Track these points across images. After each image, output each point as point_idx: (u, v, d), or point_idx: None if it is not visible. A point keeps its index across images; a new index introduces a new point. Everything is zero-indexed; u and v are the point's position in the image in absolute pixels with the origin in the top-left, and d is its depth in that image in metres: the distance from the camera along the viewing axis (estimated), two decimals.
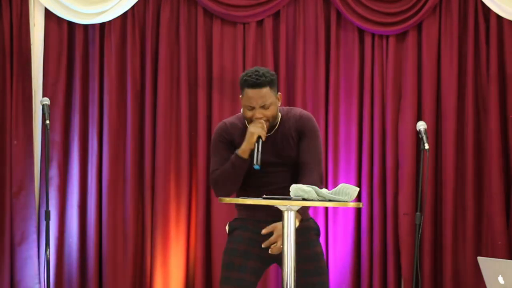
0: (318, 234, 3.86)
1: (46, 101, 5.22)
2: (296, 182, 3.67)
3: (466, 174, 5.93)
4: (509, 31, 5.95)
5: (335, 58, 5.99)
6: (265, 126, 3.66)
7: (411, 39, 6.00)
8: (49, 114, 5.12)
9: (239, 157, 3.65)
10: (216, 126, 3.89)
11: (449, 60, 5.97)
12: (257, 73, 3.67)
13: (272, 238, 3.65)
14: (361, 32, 6.02)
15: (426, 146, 4.97)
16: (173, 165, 5.88)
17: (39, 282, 5.70)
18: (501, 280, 3.16)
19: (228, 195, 3.76)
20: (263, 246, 3.66)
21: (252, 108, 3.68)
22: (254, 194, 3.64)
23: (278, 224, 3.60)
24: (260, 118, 3.67)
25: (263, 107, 3.68)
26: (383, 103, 6.00)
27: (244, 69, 5.91)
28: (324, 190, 3.27)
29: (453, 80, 5.96)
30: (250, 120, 3.71)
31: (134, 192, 5.85)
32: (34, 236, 5.71)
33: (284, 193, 3.56)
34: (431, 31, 6.00)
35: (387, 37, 6.02)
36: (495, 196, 5.86)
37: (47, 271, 5.06)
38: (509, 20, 5.94)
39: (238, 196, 3.84)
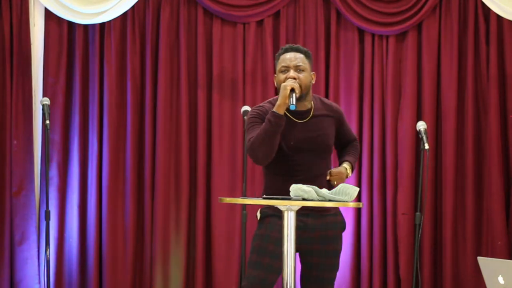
0: (344, 229, 3.88)
1: (46, 101, 5.22)
2: (324, 172, 3.79)
3: (466, 174, 5.94)
4: (509, 31, 5.96)
5: (335, 58, 5.99)
6: (297, 84, 3.67)
7: (411, 39, 6.00)
8: (49, 114, 5.13)
9: (274, 114, 3.62)
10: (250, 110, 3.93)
11: (449, 60, 5.97)
12: (294, 44, 3.86)
13: (340, 175, 3.78)
14: (361, 32, 6.02)
15: (426, 146, 4.97)
16: (172, 165, 5.88)
17: (39, 282, 5.70)
18: (501, 280, 3.16)
19: (266, 158, 3.69)
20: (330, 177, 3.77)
21: (286, 69, 3.74)
22: (288, 182, 3.59)
23: (338, 170, 3.78)
24: (293, 78, 3.70)
25: (297, 68, 3.74)
26: (383, 103, 6.00)
27: (244, 69, 5.92)
28: (324, 190, 3.28)
29: (453, 80, 5.96)
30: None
31: (134, 192, 5.85)
32: (34, 237, 5.71)
33: (318, 182, 3.62)
34: (431, 31, 6.00)
35: (387, 37, 6.02)
36: (495, 196, 5.86)
37: (47, 271, 5.06)
38: (509, 20, 5.95)
39: (270, 182, 3.80)
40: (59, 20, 5.86)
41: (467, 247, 5.90)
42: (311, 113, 3.80)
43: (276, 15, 6.00)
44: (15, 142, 5.74)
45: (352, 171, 3.86)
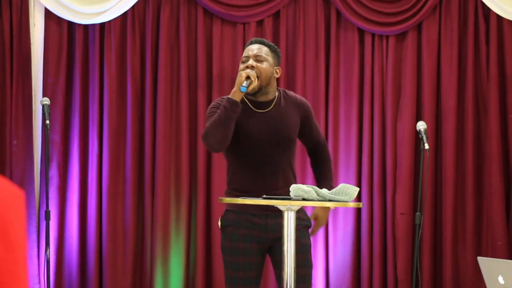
0: (309, 226, 3.85)
1: (46, 101, 5.22)
2: (291, 164, 3.77)
3: (466, 174, 5.94)
4: (509, 31, 5.96)
5: (335, 58, 5.99)
6: (253, 73, 3.65)
7: (411, 39, 6.00)
8: (49, 114, 5.13)
9: (229, 99, 3.60)
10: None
11: (449, 60, 5.97)
12: (262, 38, 3.87)
13: (315, 229, 3.82)
14: (361, 32, 6.02)
15: (426, 146, 4.97)
16: (172, 165, 5.88)
17: (39, 282, 5.70)
18: (501, 280, 3.16)
19: (220, 146, 3.65)
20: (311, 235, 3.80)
21: (247, 59, 3.72)
22: (252, 176, 3.67)
23: (319, 214, 3.81)
24: (252, 67, 3.68)
25: (257, 58, 3.72)
26: (383, 103, 6.00)
27: None
28: (324, 190, 3.28)
29: (453, 80, 5.96)
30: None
31: (134, 191, 5.85)
32: (34, 236, 5.71)
33: (282, 175, 3.64)
34: (431, 31, 6.00)
35: (387, 37, 6.02)
36: (495, 196, 5.86)
37: (47, 271, 5.06)
38: (509, 20, 5.94)
39: (232, 176, 3.78)
40: (59, 20, 5.86)
41: (467, 247, 5.90)
42: (272, 104, 3.76)
43: (276, 15, 6.01)
44: (15, 142, 5.74)
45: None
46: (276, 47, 3.83)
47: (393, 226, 5.90)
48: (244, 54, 3.76)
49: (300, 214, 3.80)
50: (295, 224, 3.32)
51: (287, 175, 3.75)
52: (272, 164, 3.71)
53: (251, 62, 3.70)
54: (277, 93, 3.80)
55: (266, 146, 3.71)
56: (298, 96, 3.91)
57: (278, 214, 3.69)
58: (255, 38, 3.86)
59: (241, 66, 3.74)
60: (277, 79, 3.90)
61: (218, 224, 3.90)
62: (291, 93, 3.90)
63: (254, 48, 3.75)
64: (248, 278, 3.72)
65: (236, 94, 3.60)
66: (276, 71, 3.78)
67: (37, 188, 5.79)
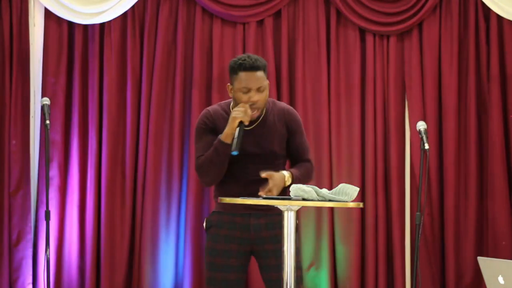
0: (296, 228, 3.82)
1: (46, 101, 5.22)
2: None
3: (468, 174, 5.93)
4: (509, 31, 5.95)
5: (336, 58, 5.98)
6: (249, 111, 3.62)
7: (411, 39, 6.00)
8: (49, 114, 5.12)
9: (221, 142, 3.62)
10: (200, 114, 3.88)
11: (449, 60, 5.97)
12: (250, 57, 3.70)
13: (269, 186, 3.60)
14: (362, 32, 6.01)
15: (426, 146, 4.96)
16: (164, 165, 5.86)
17: (32, 283, 5.70)
18: (501, 280, 3.15)
19: (213, 182, 3.74)
20: (260, 194, 3.57)
21: (248, 91, 3.67)
22: (234, 185, 3.69)
23: (275, 174, 3.62)
24: (256, 102, 3.65)
25: (259, 89, 3.67)
26: (385, 102, 5.99)
27: None
28: (324, 190, 3.27)
29: (454, 80, 5.96)
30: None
31: (133, 192, 5.85)
32: (30, 236, 5.70)
33: (262, 185, 3.59)
34: (432, 31, 6.00)
35: (388, 37, 6.01)
36: (499, 196, 5.86)
37: (47, 271, 5.05)
38: (509, 20, 5.94)
39: (219, 185, 3.78)
40: (59, 20, 5.85)
41: (468, 248, 5.89)
42: (258, 120, 3.75)
43: (277, 15, 6.00)
44: (13, 142, 5.74)
45: (293, 181, 3.67)
46: (264, 62, 3.73)
47: (396, 226, 5.89)
48: (243, 84, 3.66)
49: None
50: (295, 224, 3.32)
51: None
52: (257, 173, 3.68)
53: (256, 97, 3.65)
54: (265, 107, 3.77)
55: (250, 160, 3.72)
56: (287, 107, 3.87)
57: (261, 214, 3.71)
58: (248, 62, 3.67)
59: (242, 96, 3.66)
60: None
61: (203, 226, 3.90)
62: (280, 104, 3.87)
63: (253, 78, 3.66)
64: (227, 280, 3.71)
65: (228, 137, 3.60)
66: (268, 89, 3.77)
67: (33, 188, 5.79)
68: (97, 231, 5.81)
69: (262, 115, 3.75)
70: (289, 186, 3.63)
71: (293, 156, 3.85)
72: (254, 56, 3.71)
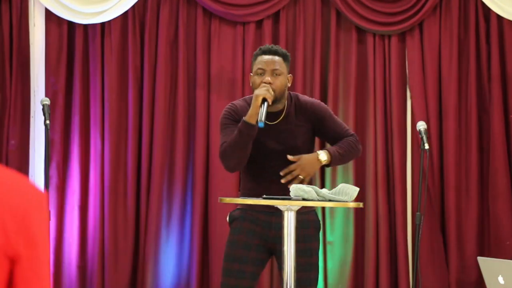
0: (319, 228, 3.83)
1: (46, 101, 5.22)
2: None
3: (469, 174, 5.93)
4: (509, 31, 5.95)
5: (335, 58, 5.98)
6: (270, 90, 3.59)
7: (412, 39, 6.00)
8: (49, 114, 5.13)
9: (245, 123, 3.57)
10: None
11: (449, 59, 5.97)
12: (272, 45, 3.77)
13: (292, 166, 3.60)
14: (361, 32, 6.01)
15: (426, 146, 4.97)
16: (167, 165, 5.86)
17: None
18: (501, 280, 3.16)
19: (237, 167, 3.70)
20: (282, 174, 3.59)
21: (263, 72, 3.66)
22: (261, 184, 3.66)
23: (304, 155, 3.61)
24: (268, 83, 3.62)
25: (274, 72, 3.66)
26: (385, 103, 5.99)
27: (243, 69, 5.91)
28: (324, 190, 3.28)
29: (454, 80, 5.96)
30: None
31: (135, 192, 5.85)
32: None
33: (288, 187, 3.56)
34: (432, 31, 6.00)
35: (389, 37, 6.01)
36: (502, 196, 5.86)
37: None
38: (509, 20, 5.94)
39: (244, 182, 3.80)
40: (59, 20, 5.85)
41: (471, 247, 5.89)
42: (282, 114, 3.74)
43: (276, 14, 6.00)
44: (12, 142, 5.74)
45: (332, 158, 3.66)
46: (287, 54, 3.76)
47: (396, 226, 5.89)
48: (258, 65, 3.69)
49: (310, 215, 3.80)
50: (295, 224, 3.32)
51: (302, 181, 3.71)
52: (278, 174, 3.66)
53: (268, 78, 3.65)
54: (287, 102, 3.76)
55: (275, 156, 3.70)
56: (311, 101, 3.84)
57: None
58: (268, 46, 3.75)
59: (257, 79, 3.67)
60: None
61: (227, 220, 3.90)
62: (304, 98, 3.84)
63: (269, 61, 3.68)
64: (242, 272, 3.70)
65: (253, 118, 3.56)
66: (289, 80, 3.76)
67: None
68: (100, 231, 5.79)
69: (285, 110, 3.74)
70: (329, 165, 3.68)
71: (334, 140, 3.81)
72: (277, 45, 3.78)
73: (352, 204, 3.25)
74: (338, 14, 6.00)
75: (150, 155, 5.87)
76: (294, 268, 3.33)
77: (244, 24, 5.96)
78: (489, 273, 3.21)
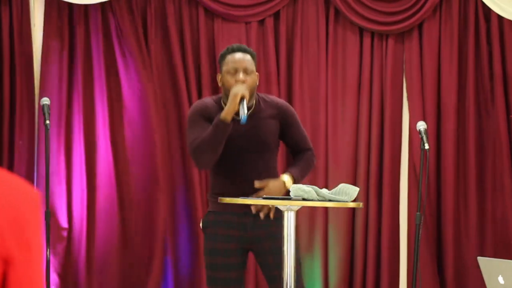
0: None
1: (46, 101, 5.22)
2: (273, 166, 3.78)
3: (468, 174, 5.93)
4: (510, 31, 5.95)
5: (334, 58, 5.98)
6: (247, 88, 3.62)
7: (411, 38, 6.00)
8: (49, 114, 5.12)
9: (222, 120, 3.57)
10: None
11: (449, 59, 5.97)
12: (240, 44, 3.84)
13: (260, 193, 3.61)
14: (361, 31, 6.01)
15: (426, 146, 4.97)
16: (170, 165, 5.86)
17: None
18: (501, 280, 3.16)
19: (209, 164, 3.70)
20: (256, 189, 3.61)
21: (235, 72, 3.68)
22: (231, 182, 3.69)
23: (271, 182, 3.62)
24: (243, 81, 3.65)
25: (246, 71, 3.69)
26: (383, 102, 5.99)
27: None
28: (324, 190, 3.28)
29: (454, 80, 5.96)
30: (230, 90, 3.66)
31: (140, 189, 5.85)
32: None
33: (265, 178, 3.62)
34: (432, 31, 6.00)
35: (387, 36, 6.02)
36: (507, 196, 5.85)
37: (47, 271, 5.05)
38: (509, 20, 5.94)
39: (214, 180, 3.80)
40: (60, 20, 5.84)
41: (470, 247, 5.89)
42: (251, 111, 3.73)
43: (276, 14, 5.99)
44: (20, 142, 5.73)
45: (295, 181, 3.69)
46: (254, 52, 3.80)
47: (391, 226, 5.90)
48: (231, 64, 3.70)
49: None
50: (295, 224, 3.32)
51: (269, 177, 3.72)
52: (252, 168, 3.71)
53: (242, 76, 3.67)
54: (254, 100, 3.77)
55: (243, 152, 3.72)
56: (280, 101, 3.90)
57: (256, 213, 3.69)
58: (237, 45, 3.80)
59: (230, 78, 3.69)
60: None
61: (200, 226, 3.92)
62: (271, 97, 3.89)
63: (241, 59, 3.71)
64: (228, 279, 3.73)
65: (229, 115, 3.57)
66: (257, 78, 3.78)
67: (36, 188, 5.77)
68: (101, 232, 5.78)
69: (252, 108, 3.75)
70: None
71: (293, 147, 3.89)
72: (244, 45, 3.84)
73: (352, 204, 3.25)
74: (338, 13, 5.99)
75: (153, 155, 5.87)
76: (294, 268, 3.33)
77: (246, 23, 5.95)
78: (489, 273, 3.21)
